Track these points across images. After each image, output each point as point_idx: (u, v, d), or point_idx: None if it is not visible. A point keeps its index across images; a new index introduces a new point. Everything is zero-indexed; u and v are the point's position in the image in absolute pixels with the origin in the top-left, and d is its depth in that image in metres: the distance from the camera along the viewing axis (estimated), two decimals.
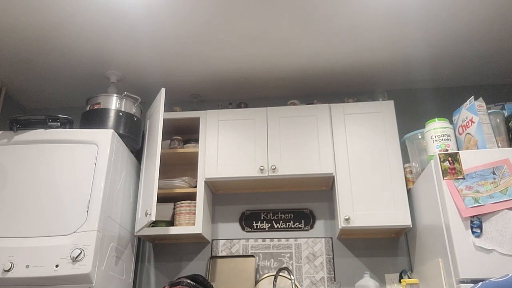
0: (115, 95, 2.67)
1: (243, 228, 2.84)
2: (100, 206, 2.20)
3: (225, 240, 2.82)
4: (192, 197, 2.73)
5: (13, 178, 2.28)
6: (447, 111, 2.97)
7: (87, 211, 2.18)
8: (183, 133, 3.10)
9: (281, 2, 2.25)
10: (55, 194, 2.22)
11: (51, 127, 2.43)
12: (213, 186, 2.84)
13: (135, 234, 2.56)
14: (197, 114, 2.85)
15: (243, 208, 2.90)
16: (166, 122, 2.92)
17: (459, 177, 2.04)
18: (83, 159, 2.31)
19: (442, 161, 2.08)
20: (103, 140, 2.36)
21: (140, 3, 2.26)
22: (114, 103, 2.64)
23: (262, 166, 2.61)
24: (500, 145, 2.19)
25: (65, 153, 2.33)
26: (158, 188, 2.48)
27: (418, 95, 3.12)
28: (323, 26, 2.45)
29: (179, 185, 2.72)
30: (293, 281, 2.45)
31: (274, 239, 2.79)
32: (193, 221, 2.61)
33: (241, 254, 2.77)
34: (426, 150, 2.38)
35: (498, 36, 2.56)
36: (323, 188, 2.87)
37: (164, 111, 2.85)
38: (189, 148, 2.82)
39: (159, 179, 2.68)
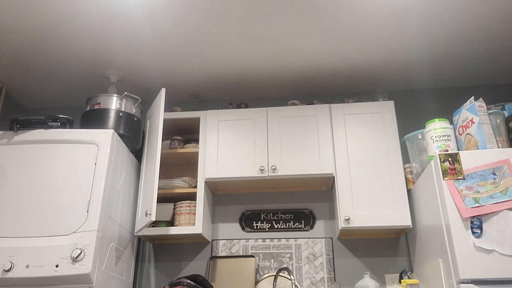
0: (115, 95, 2.67)
1: (243, 228, 2.84)
2: (100, 206, 2.20)
3: (225, 240, 2.82)
4: (192, 197, 2.73)
5: (13, 178, 2.28)
6: (447, 111, 2.97)
7: (87, 211, 2.18)
8: (183, 133, 3.10)
9: (281, 2, 2.25)
10: (55, 194, 2.22)
11: (51, 127, 2.43)
12: (213, 186, 2.84)
13: (135, 234, 2.56)
14: (197, 114, 2.85)
15: (243, 208, 2.90)
16: (166, 122, 2.92)
17: (459, 177, 2.04)
18: (83, 159, 2.31)
19: (442, 162, 2.08)
20: (103, 140, 2.36)
21: (140, 3, 2.25)
22: (114, 103, 2.64)
23: (262, 166, 2.61)
24: (500, 145, 2.19)
25: (65, 153, 2.33)
26: (158, 188, 2.48)
27: (418, 95, 3.11)
28: (323, 26, 2.45)
29: (179, 185, 2.72)
30: (293, 281, 2.45)
31: (274, 239, 2.79)
32: (193, 221, 2.61)
33: (241, 254, 2.76)
34: (426, 150, 2.38)
35: (498, 36, 2.56)
36: (323, 188, 2.87)
37: (164, 111, 2.85)
38: (189, 148, 2.82)
39: (159, 179, 2.68)
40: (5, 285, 2.07)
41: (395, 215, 2.43)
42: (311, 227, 2.80)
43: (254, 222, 2.84)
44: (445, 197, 2.02)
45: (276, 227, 2.82)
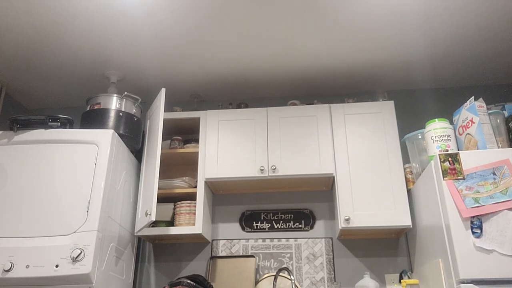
0: (115, 95, 2.67)
1: (243, 228, 2.84)
2: (100, 206, 2.20)
3: (225, 240, 2.82)
4: (192, 197, 2.73)
5: (13, 178, 2.28)
6: (447, 111, 2.97)
7: (87, 211, 2.18)
8: (183, 133, 3.10)
9: (281, 2, 2.25)
10: (55, 194, 2.22)
11: (51, 127, 2.43)
12: (213, 186, 2.84)
13: (135, 234, 2.56)
14: (197, 114, 2.85)
15: (243, 208, 2.90)
16: (166, 122, 2.92)
17: (459, 177, 2.04)
18: (83, 159, 2.31)
19: (442, 162, 2.08)
20: (103, 140, 2.36)
21: (140, 3, 2.25)
22: (114, 103, 2.64)
23: (262, 166, 2.61)
24: (500, 145, 2.19)
25: (65, 153, 2.33)
26: (158, 188, 2.48)
27: (418, 95, 3.11)
28: (323, 26, 2.45)
29: (179, 185, 2.72)
30: (293, 281, 2.45)
31: (274, 239, 2.79)
32: (193, 221, 2.61)
33: (241, 254, 2.76)
34: (426, 150, 2.38)
35: (498, 36, 2.56)
36: (323, 188, 2.87)
37: (165, 111, 2.85)
38: (189, 148, 2.82)
39: (159, 179, 2.68)
40: (5, 285, 2.07)
41: (395, 215, 2.43)
42: (311, 227, 2.80)
43: (254, 222, 2.84)
44: (445, 197, 2.02)
45: (276, 227, 2.82)
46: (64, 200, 2.21)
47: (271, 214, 2.85)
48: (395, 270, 2.65)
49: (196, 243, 2.84)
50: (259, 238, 2.80)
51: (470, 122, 2.19)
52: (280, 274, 2.62)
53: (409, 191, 2.59)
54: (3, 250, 2.09)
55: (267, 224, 2.83)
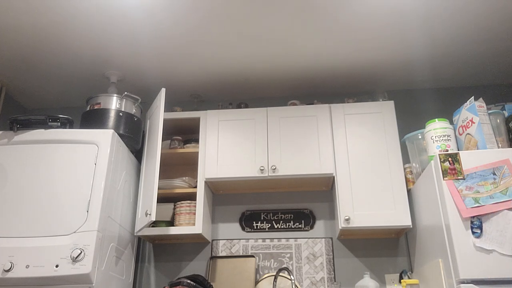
0: (115, 95, 2.67)
1: (243, 228, 2.84)
2: (100, 206, 2.20)
3: (225, 240, 2.82)
4: (192, 197, 2.73)
5: (13, 178, 2.28)
6: (447, 111, 2.97)
7: (87, 211, 2.18)
8: (183, 133, 3.10)
9: (281, 2, 2.25)
10: (55, 194, 2.22)
11: (51, 127, 2.43)
12: (213, 186, 2.84)
13: (135, 234, 2.56)
14: (197, 114, 2.85)
15: (243, 208, 2.90)
16: (166, 122, 2.92)
17: (459, 177, 2.04)
18: (83, 159, 2.31)
19: (442, 162, 2.08)
20: (103, 140, 2.36)
21: (140, 3, 2.25)
22: (114, 103, 2.64)
23: (262, 166, 2.61)
24: (500, 145, 2.19)
25: (65, 153, 2.33)
26: (158, 188, 2.48)
27: (418, 95, 3.11)
28: (323, 26, 2.45)
29: (179, 185, 2.72)
30: (293, 281, 2.45)
31: (274, 239, 2.79)
32: (193, 221, 2.61)
33: (241, 254, 2.76)
34: (426, 150, 2.38)
35: (498, 36, 2.56)
36: (323, 188, 2.87)
37: (165, 111, 2.85)
38: (189, 148, 2.82)
39: (159, 179, 2.68)
40: (5, 285, 2.07)
41: (395, 215, 2.43)
42: (311, 227, 2.80)
43: (254, 222, 2.84)
44: (445, 197, 2.02)
45: (276, 227, 2.82)
46: (64, 200, 2.21)
47: (271, 214, 2.85)
48: (395, 270, 2.65)
49: (196, 243, 2.84)
50: (259, 238, 2.80)
51: (470, 122, 2.19)
52: (280, 274, 2.63)
53: (409, 191, 2.59)
54: (3, 250, 2.09)
55: (267, 224, 2.83)
